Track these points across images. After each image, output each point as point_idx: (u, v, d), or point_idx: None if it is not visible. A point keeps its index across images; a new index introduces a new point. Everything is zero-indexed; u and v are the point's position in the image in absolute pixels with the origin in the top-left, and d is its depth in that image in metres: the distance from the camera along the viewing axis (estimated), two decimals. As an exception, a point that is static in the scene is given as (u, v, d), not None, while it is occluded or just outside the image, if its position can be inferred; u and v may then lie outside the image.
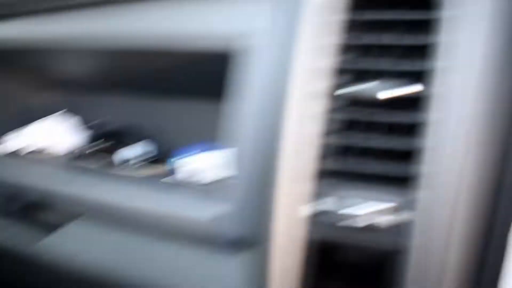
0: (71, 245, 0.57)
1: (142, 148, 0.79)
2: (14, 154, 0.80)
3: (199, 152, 0.65)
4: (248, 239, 0.46)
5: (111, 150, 0.79)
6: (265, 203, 0.42)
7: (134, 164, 0.76)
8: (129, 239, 0.55)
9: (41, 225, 0.65)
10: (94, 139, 0.83)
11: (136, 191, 0.57)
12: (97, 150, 0.79)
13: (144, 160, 0.77)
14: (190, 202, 0.52)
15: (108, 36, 0.60)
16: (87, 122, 0.87)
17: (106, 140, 0.81)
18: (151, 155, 0.78)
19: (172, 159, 0.65)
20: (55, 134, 0.86)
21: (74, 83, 0.90)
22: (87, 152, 0.79)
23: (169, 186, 0.56)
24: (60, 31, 0.67)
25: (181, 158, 0.65)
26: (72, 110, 0.90)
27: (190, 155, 0.65)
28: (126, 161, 0.77)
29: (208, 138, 0.69)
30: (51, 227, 0.63)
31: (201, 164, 0.64)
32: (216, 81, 0.61)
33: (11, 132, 0.87)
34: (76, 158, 0.76)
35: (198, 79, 0.65)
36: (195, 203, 0.51)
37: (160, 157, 0.78)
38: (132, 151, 0.78)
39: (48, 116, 0.89)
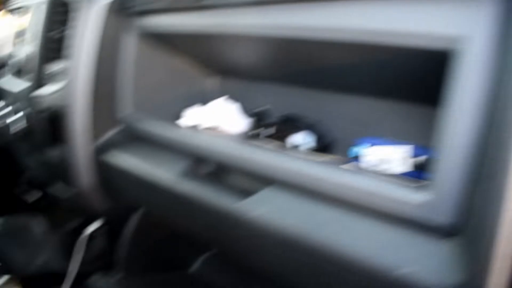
0: (267, 208, 0.64)
1: (309, 136, 0.85)
2: (195, 127, 0.90)
3: (381, 144, 0.70)
4: (458, 226, 0.50)
5: (279, 136, 0.86)
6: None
7: (304, 150, 0.82)
8: (324, 210, 0.61)
9: (231, 189, 0.74)
10: (259, 125, 0.91)
11: (328, 167, 0.63)
12: (267, 135, 0.86)
13: (311, 148, 0.84)
14: (391, 185, 0.57)
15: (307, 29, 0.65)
16: (248, 109, 0.95)
17: (271, 127, 0.88)
18: (317, 143, 0.84)
19: (355, 148, 0.71)
20: (226, 116, 0.95)
21: (243, 71, 0.98)
22: (258, 135, 0.87)
23: (360, 170, 0.61)
24: (243, 22, 0.73)
25: (364, 147, 0.71)
26: (236, 96, 0.99)
27: (373, 145, 0.71)
28: (296, 147, 0.84)
29: (374, 133, 0.74)
30: (241, 192, 0.71)
31: (386, 156, 0.69)
32: (407, 80, 0.66)
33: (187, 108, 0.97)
34: (248, 139, 0.84)
35: (384, 76, 0.71)
36: (398, 186, 0.55)
37: (321, 147, 0.85)
38: (301, 138, 0.85)
39: (216, 100, 0.99)
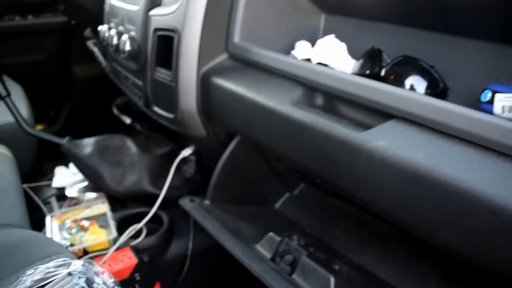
0: (388, 141, 0.63)
1: (424, 81, 0.82)
2: (307, 60, 0.88)
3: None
4: None
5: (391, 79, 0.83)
6: None
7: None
8: (452, 147, 0.58)
9: (348, 120, 0.73)
10: (370, 66, 0.88)
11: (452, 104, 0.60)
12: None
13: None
14: None
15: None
16: (356, 49, 0.93)
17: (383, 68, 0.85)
18: (432, 89, 0.81)
19: (487, 93, 0.67)
20: (335, 54, 0.93)
21: (352, 8, 0.95)
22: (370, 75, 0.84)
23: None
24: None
25: (495, 93, 0.67)
26: (343, 35, 0.96)
27: (502, 92, 0.67)
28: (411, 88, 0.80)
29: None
30: (358, 125, 0.70)
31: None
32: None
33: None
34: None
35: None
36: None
37: (436, 94, 0.81)
38: (416, 82, 0.81)
39: (324, 38, 0.97)
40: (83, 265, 0.84)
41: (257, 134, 0.85)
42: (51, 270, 0.83)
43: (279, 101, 0.80)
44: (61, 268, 0.83)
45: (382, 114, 0.68)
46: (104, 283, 0.81)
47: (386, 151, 0.62)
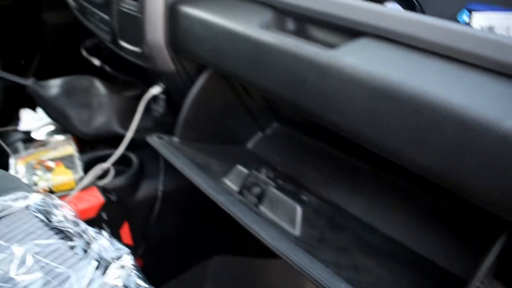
0: (359, 57, 0.60)
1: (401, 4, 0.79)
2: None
3: (489, 11, 0.63)
4: None
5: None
6: None
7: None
8: (425, 61, 0.56)
9: (319, 41, 0.70)
10: None
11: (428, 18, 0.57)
12: None
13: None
14: (503, 37, 0.51)
15: None
16: None
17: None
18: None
19: (464, 12, 0.65)
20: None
21: None
22: None
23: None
24: None
25: (470, 14, 0.64)
26: None
27: (480, 11, 0.64)
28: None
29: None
30: (330, 45, 0.66)
31: (495, 23, 0.62)
32: None
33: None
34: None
35: None
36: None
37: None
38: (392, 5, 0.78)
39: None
40: (42, 198, 0.80)
41: (226, 63, 0.81)
42: (7, 203, 0.79)
43: (248, 25, 0.76)
44: (18, 201, 0.79)
45: (354, 33, 0.65)
46: (64, 217, 0.78)
47: (355, 68, 0.59)
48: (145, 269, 1.22)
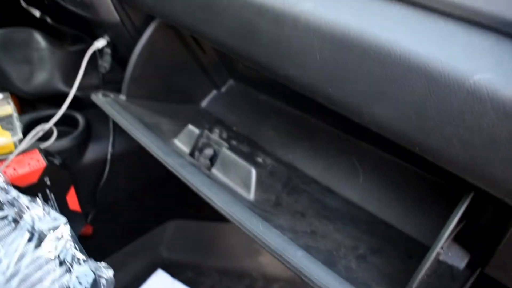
0: (316, 2, 0.54)
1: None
2: None
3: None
4: None
5: None
6: None
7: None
8: (387, 8, 0.50)
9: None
10: None
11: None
12: None
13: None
14: None
15: None
16: None
17: None
18: None
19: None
20: None
21: None
22: None
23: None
24: None
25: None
26: None
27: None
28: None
29: None
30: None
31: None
32: None
33: None
34: None
35: None
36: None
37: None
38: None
39: None
40: (-33, 163, 0.72)
41: (173, 11, 0.73)
42: None
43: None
44: None
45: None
46: (-5, 184, 0.70)
47: (312, 14, 0.52)
48: (96, 236, 1.16)
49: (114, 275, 0.60)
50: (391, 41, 0.46)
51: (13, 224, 0.63)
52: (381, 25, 0.48)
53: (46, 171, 0.99)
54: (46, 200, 1.01)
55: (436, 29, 0.47)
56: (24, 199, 0.67)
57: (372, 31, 0.48)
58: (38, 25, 1.36)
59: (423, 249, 0.69)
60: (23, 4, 1.35)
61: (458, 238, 0.59)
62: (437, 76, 0.44)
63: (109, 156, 1.14)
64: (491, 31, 0.45)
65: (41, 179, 1.00)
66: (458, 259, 0.59)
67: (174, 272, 1.24)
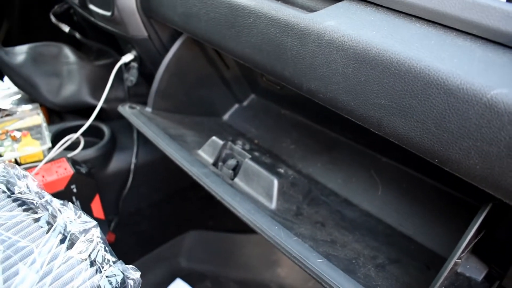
0: (340, 20, 0.56)
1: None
2: None
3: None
4: None
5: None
6: None
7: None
8: (409, 26, 0.53)
9: (296, 5, 0.65)
10: None
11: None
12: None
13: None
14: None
15: None
16: None
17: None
18: None
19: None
20: None
21: None
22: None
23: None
24: None
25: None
26: None
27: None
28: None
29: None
30: (308, 8, 0.62)
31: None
32: None
33: None
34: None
35: None
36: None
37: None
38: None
39: None
40: (3, 168, 0.75)
41: (199, 27, 0.76)
42: (-33, 173, 0.74)
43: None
44: (-21, 171, 0.74)
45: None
46: (27, 187, 0.74)
47: (336, 32, 0.55)
48: (117, 243, 1.19)
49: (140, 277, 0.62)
50: (411, 58, 0.49)
51: (46, 226, 0.66)
52: (402, 42, 0.51)
53: (73, 179, 1.03)
54: (72, 207, 1.05)
55: (455, 46, 0.49)
56: (56, 203, 0.70)
57: (393, 48, 0.50)
58: (67, 40, 1.41)
59: (442, 261, 0.70)
60: (53, 20, 1.41)
61: (477, 250, 0.61)
62: (455, 91, 0.46)
63: (132, 166, 1.18)
64: (508, 49, 0.47)
65: (68, 187, 1.04)
66: (477, 271, 0.60)
67: (193, 282, 1.25)
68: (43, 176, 1.01)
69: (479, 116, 0.45)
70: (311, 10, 0.62)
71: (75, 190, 1.04)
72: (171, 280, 1.28)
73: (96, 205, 1.10)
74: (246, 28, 0.67)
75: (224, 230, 1.34)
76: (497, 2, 0.48)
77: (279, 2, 0.65)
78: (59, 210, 0.67)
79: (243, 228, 0.70)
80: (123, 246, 1.20)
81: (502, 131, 0.44)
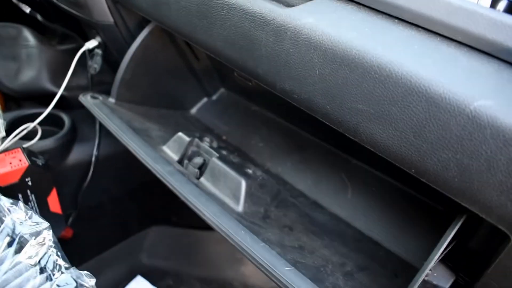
0: (319, 17, 0.53)
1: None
2: None
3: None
4: None
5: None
6: None
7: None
8: (392, 29, 0.50)
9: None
10: None
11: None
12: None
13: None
14: (477, 6, 0.46)
15: None
16: None
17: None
18: None
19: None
20: None
21: None
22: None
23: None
24: None
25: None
26: None
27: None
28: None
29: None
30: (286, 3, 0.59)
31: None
32: None
33: None
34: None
35: None
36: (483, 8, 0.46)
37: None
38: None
39: None
40: None
41: (169, 16, 0.72)
42: None
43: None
44: None
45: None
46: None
47: (314, 30, 0.52)
48: (75, 239, 1.14)
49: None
50: (393, 62, 0.46)
51: (-7, 228, 0.61)
52: (383, 45, 0.48)
53: (28, 172, 0.97)
54: (26, 201, 0.99)
55: (439, 52, 0.47)
56: (5, 202, 0.65)
57: (374, 51, 0.48)
58: (28, 21, 1.33)
59: (409, 268, 0.69)
60: (14, -1, 1.33)
61: (444, 258, 0.59)
62: (437, 100, 0.43)
63: (93, 159, 1.12)
64: (493, 58, 0.45)
65: (22, 179, 0.97)
66: (444, 280, 0.59)
67: (154, 279, 1.21)
68: (-5, 167, 0.94)
69: (460, 128, 0.43)
70: (288, 4, 0.58)
71: (30, 183, 0.98)
72: (131, 277, 1.23)
73: (53, 199, 1.04)
74: (218, 20, 0.63)
75: (187, 226, 1.30)
76: (484, 9, 0.45)
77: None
78: (7, 209, 0.62)
79: (207, 225, 0.67)
80: (81, 242, 1.15)
81: (483, 144, 0.42)
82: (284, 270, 0.58)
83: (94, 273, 0.59)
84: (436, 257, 0.54)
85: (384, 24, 0.50)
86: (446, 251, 0.57)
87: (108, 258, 1.24)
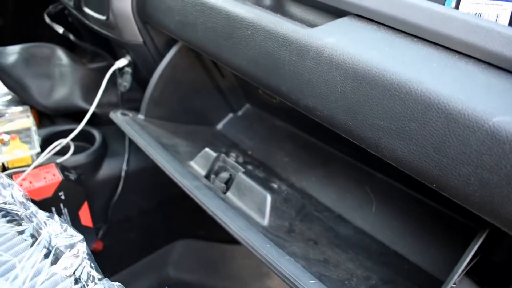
0: (340, 37, 0.55)
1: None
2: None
3: None
4: None
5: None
6: None
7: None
8: (412, 47, 0.52)
9: (296, 19, 0.64)
10: None
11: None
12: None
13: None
14: (495, 24, 0.47)
15: None
16: None
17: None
18: None
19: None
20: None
21: None
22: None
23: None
24: None
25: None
26: None
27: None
28: None
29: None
30: (309, 24, 0.61)
31: (483, 10, 0.58)
32: None
33: None
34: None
35: None
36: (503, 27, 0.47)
37: None
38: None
39: None
40: (-13, 177, 0.73)
41: (196, 36, 0.75)
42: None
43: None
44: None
45: (336, 13, 0.60)
46: (12, 197, 0.71)
47: (335, 49, 0.54)
48: (106, 252, 1.17)
49: (124, 294, 0.60)
50: (412, 80, 0.48)
51: (30, 240, 0.64)
52: (403, 63, 0.50)
53: (61, 186, 1.01)
54: (59, 214, 1.03)
55: (457, 69, 0.48)
56: (42, 215, 0.68)
57: (394, 69, 0.49)
58: (61, 41, 1.39)
59: (434, 282, 0.69)
60: (47, 20, 1.39)
61: (469, 272, 0.59)
62: (456, 116, 0.45)
63: (123, 173, 1.16)
64: (510, 75, 0.46)
65: (56, 194, 1.01)
66: (469, 294, 0.59)
67: (181, 291, 1.24)
68: (30, 182, 0.99)
69: (480, 143, 0.44)
70: (310, 25, 0.61)
71: (63, 197, 1.02)
72: (159, 289, 1.26)
73: (85, 212, 1.08)
74: (243, 40, 0.66)
75: (214, 240, 1.32)
76: (501, 27, 0.47)
77: (278, 15, 0.64)
78: (44, 222, 0.65)
79: (233, 238, 0.68)
80: (111, 255, 1.18)
81: (503, 159, 0.43)
82: (309, 283, 0.60)
83: (124, 285, 0.61)
84: (460, 270, 0.54)
85: (403, 43, 0.52)
86: (470, 264, 0.57)
87: (136, 270, 1.26)
